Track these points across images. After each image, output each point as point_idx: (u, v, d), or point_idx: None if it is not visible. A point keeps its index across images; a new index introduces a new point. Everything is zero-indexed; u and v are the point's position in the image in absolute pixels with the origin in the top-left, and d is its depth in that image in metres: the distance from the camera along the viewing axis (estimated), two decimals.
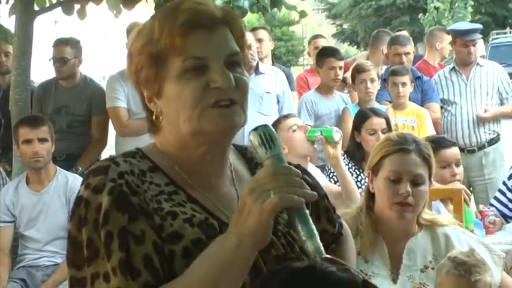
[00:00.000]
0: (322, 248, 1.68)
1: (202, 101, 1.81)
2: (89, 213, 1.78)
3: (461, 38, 7.35)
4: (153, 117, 1.90)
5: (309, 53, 9.61)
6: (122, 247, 1.73)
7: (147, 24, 1.88)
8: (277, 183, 1.67)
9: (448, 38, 7.99)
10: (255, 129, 1.78)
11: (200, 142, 1.86)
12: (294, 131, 5.17)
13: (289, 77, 8.01)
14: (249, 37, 6.84)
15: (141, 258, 1.73)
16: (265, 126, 1.78)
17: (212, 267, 1.71)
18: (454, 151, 4.93)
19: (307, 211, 1.71)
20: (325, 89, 7.00)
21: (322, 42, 8.65)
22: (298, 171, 1.72)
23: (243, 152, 2.08)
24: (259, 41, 7.76)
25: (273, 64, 8.03)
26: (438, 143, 4.68)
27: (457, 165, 4.92)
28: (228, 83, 1.81)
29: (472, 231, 4.32)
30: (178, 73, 1.83)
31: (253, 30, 7.70)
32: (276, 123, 5.26)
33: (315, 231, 1.70)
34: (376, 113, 5.71)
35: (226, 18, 1.89)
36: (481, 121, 7.19)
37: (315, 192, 1.73)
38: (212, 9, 1.87)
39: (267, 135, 1.76)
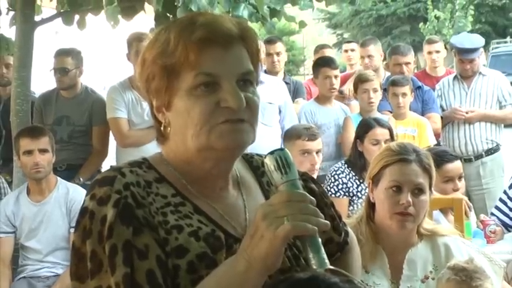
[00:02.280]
0: None
1: (211, 119, 1.80)
2: (93, 225, 1.77)
3: (458, 54, 7.36)
4: (161, 127, 1.89)
5: None
6: (126, 261, 1.72)
7: (163, 34, 1.86)
8: (291, 210, 1.65)
9: None
10: (271, 152, 1.76)
11: (207, 158, 1.85)
12: (303, 155, 5.23)
13: (300, 87, 8.02)
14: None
15: (144, 274, 1.72)
16: (282, 150, 1.77)
17: None
18: (457, 165, 4.94)
19: (319, 239, 1.69)
20: (323, 99, 6.99)
21: (328, 53, 8.63)
22: (313, 198, 1.70)
23: (248, 160, 2.06)
24: (278, 54, 7.75)
25: (284, 76, 8.02)
26: (441, 157, 4.68)
27: (460, 178, 4.93)
28: (238, 103, 1.79)
29: None
30: (189, 88, 1.81)
31: (271, 42, 7.71)
32: (294, 135, 5.30)
33: (326, 261, 1.68)
34: (380, 123, 5.71)
35: (243, 35, 1.87)
36: (466, 122, 7.20)
37: (328, 222, 1.71)
38: (229, 25, 1.85)
39: (283, 159, 1.74)
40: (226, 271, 1.71)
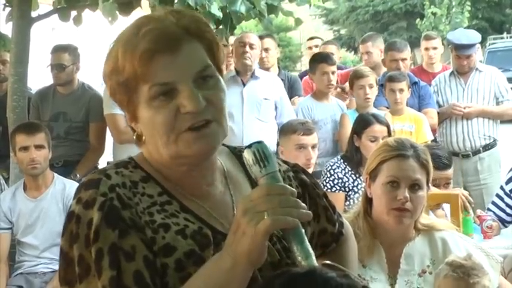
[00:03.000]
0: None
1: (175, 127, 1.77)
2: (80, 229, 1.76)
3: (455, 50, 7.35)
4: (135, 136, 1.89)
5: None
6: (112, 265, 1.71)
7: (113, 49, 1.83)
8: (271, 204, 1.64)
9: None
10: (249, 146, 1.74)
11: (182, 163, 1.84)
12: (299, 149, 5.23)
13: (296, 83, 8.02)
14: (254, 39, 6.84)
15: (132, 275, 1.71)
16: (260, 143, 1.75)
17: (208, 287, 1.69)
18: (447, 174, 5.00)
19: (302, 230, 1.68)
20: (320, 95, 6.98)
21: (331, 49, 8.64)
22: (294, 190, 1.69)
23: (237, 154, 2.03)
24: (266, 50, 7.76)
25: (279, 72, 8.02)
26: (434, 162, 4.68)
27: (447, 184, 4.96)
28: (196, 106, 1.76)
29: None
30: (147, 100, 1.79)
31: (259, 38, 7.70)
32: (289, 130, 5.30)
33: (311, 251, 1.68)
34: (379, 120, 5.69)
35: (190, 30, 1.83)
36: (464, 117, 7.20)
37: (310, 212, 1.70)
38: (173, 28, 1.81)
39: (261, 152, 1.72)
40: (212, 269, 1.70)
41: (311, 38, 9.56)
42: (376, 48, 8.05)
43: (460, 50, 7.28)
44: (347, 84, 7.65)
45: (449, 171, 5.04)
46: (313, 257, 1.67)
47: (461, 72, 7.33)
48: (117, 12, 6.54)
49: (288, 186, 1.70)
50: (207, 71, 1.82)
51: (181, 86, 1.77)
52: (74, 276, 1.76)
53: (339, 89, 7.61)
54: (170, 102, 1.77)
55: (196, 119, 1.77)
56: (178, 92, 1.77)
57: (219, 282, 1.68)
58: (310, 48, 9.16)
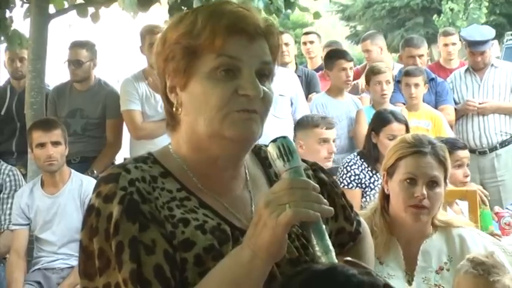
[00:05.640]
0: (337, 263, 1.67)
1: (227, 106, 1.78)
2: (100, 223, 1.77)
3: (469, 46, 7.33)
4: (173, 109, 1.88)
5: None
6: (132, 258, 1.71)
7: (189, 17, 1.85)
8: (293, 197, 1.65)
9: None
10: (274, 140, 1.76)
11: (215, 145, 1.83)
12: (321, 143, 5.25)
13: (313, 78, 7.99)
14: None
15: (152, 269, 1.72)
16: (284, 138, 1.76)
17: (226, 280, 1.69)
18: (467, 153, 5.03)
19: (323, 226, 1.69)
20: (335, 91, 6.97)
21: (312, 38, 8.76)
22: (316, 185, 1.70)
23: (256, 151, 2.04)
24: (286, 45, 7.75)
25: (296, 68, 8.01)
26: (453, 144, 4.71)
27: (467, 166, 5.01)
28: (256, 92, 1.79)
29: (492, 232, 4.34)
30: (209, 70, 1.80)
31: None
32: (310, 124, 5.33)
33: (331, 247, 1.68)
34: (397, 118, 5.65)
35: (267, 30, 1.87)
36: (479, 114, 7.17)
37: (332, 208, 1.71)
38: (257, 17, 1.86)
39: (285, 147, 1.74)
40: (231, 262, 1.71)
41: (306, 33, 9.38)
42: (375, 45, 8.07)
43: (474, 47, 7.26)
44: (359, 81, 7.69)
45: (468, 153, 5.15)
46: (333, 253, 1.68)
47: (476, 68, 7.30)
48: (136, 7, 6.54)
49: (311, 181, 1.71)
50: (268, 68, 1.86)
51: (246, 69, 1.80)
52: (93, 270, 1.77)
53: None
54: (230, 81, 1.80)
55: (249, 105, 1.80)
56: (240, 74, 1.80)
57: (238, 275, 1.69)
58: (304, 43, 8.99)
